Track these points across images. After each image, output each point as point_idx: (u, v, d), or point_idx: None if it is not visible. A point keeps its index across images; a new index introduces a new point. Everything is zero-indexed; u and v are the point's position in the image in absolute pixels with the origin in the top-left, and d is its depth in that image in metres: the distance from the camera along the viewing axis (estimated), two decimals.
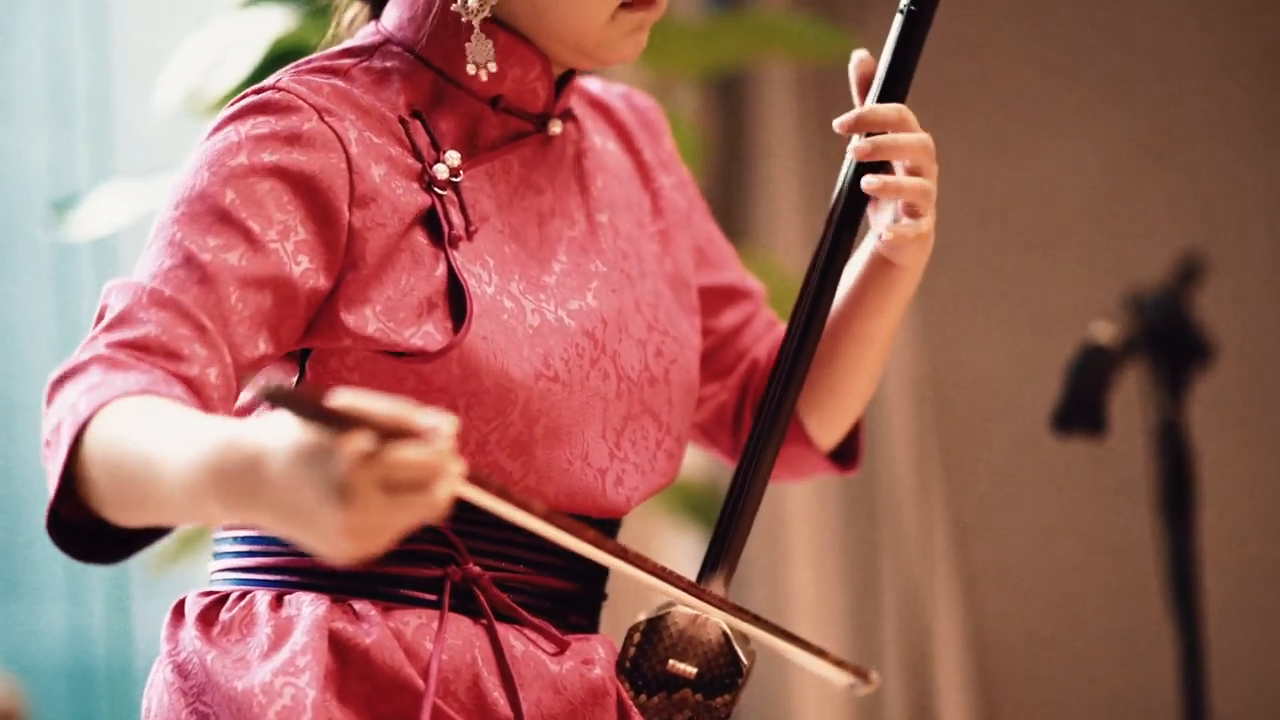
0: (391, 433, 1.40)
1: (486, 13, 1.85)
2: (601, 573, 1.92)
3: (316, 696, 1.73)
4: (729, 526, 1.92)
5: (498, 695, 1.81)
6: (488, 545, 1.84)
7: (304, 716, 1.72)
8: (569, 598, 1.90)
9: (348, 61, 1.87)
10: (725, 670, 1.86)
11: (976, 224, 4.49)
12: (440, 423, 1.41)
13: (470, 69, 1.85)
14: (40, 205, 3.90)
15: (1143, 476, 3.73)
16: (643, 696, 1.86)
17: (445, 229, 1.82)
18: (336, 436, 1.39)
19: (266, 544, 1.85)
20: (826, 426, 2.08)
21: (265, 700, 1.73)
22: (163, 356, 1.68)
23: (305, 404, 1.39)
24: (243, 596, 1.83)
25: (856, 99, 1.96)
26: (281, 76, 1.84)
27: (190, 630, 1.81)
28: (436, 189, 1.84)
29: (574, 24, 1.86)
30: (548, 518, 1.59)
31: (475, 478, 1.50)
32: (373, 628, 1.79)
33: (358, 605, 1.80)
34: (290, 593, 1.82)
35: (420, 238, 1.82)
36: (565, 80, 1.93)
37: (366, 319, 1.78)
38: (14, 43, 4.10)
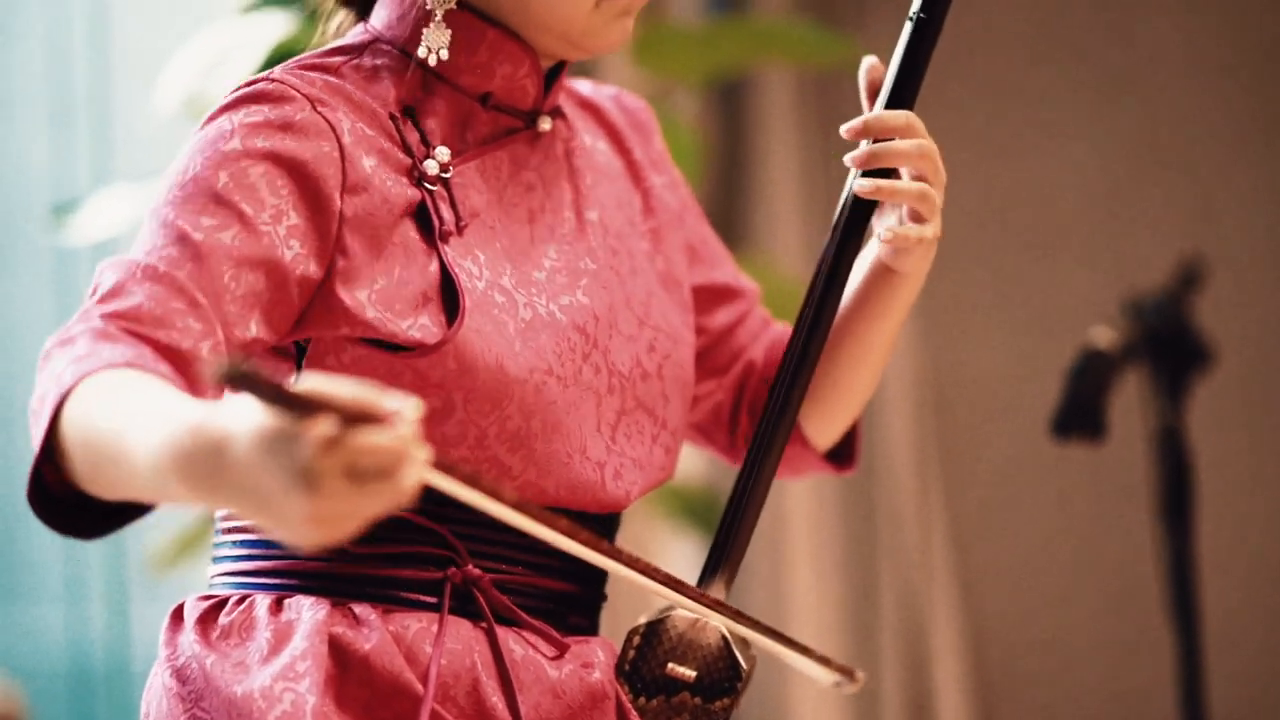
0: (355, 417, 1.36)
1: (451, 4, 1.86)
2: (600, 574, 1.92)
3: (316, 702, 1.73)
4: (730, 531, 1.92)
5: (497, 700, 1.81)
6: (487, 547, 1.85)
7: None
8: (569, 599, 1.90)
9: (337, 60, 1.88)
10: (724, 674, 1.86)
11: (976, 224, 4.49)
12: (404, 407, 1.39)
13: (422, 51, 1.86)
14: (40, 208, 3.90)
15: (1142, 481, 3.73)
16: (642, 699, 1.87)
17: (436, 224, 1.83)
18: (300, 421, 1.36)
19: (266, 547, 1.85)
20: (824, 427, 2.09)
21: (265, 705, 1.73)
22: (156, 327, 1.67)
23: (267, 387, 1.36)
24: (242, 600, 1.83)
25: (865, 105, 1.96)
26: (273, 71, 1.85)
27: (189, 635, 1.81)
28: (427, 184, 1.84)
29: (560, 12, 1.86)
30: (518, 506, 1.55)
31: (443, 464, 1.46)
32: (372, 632, 1.79)
33: (358, 608, 1.80)
34: (290, 596, 1.82)
35: (411, 232, 1.82)
36: (554, 77, 1.94)
37: (363, 304, 1.78)
38: (14, 45, 4.10)
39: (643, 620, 1.88)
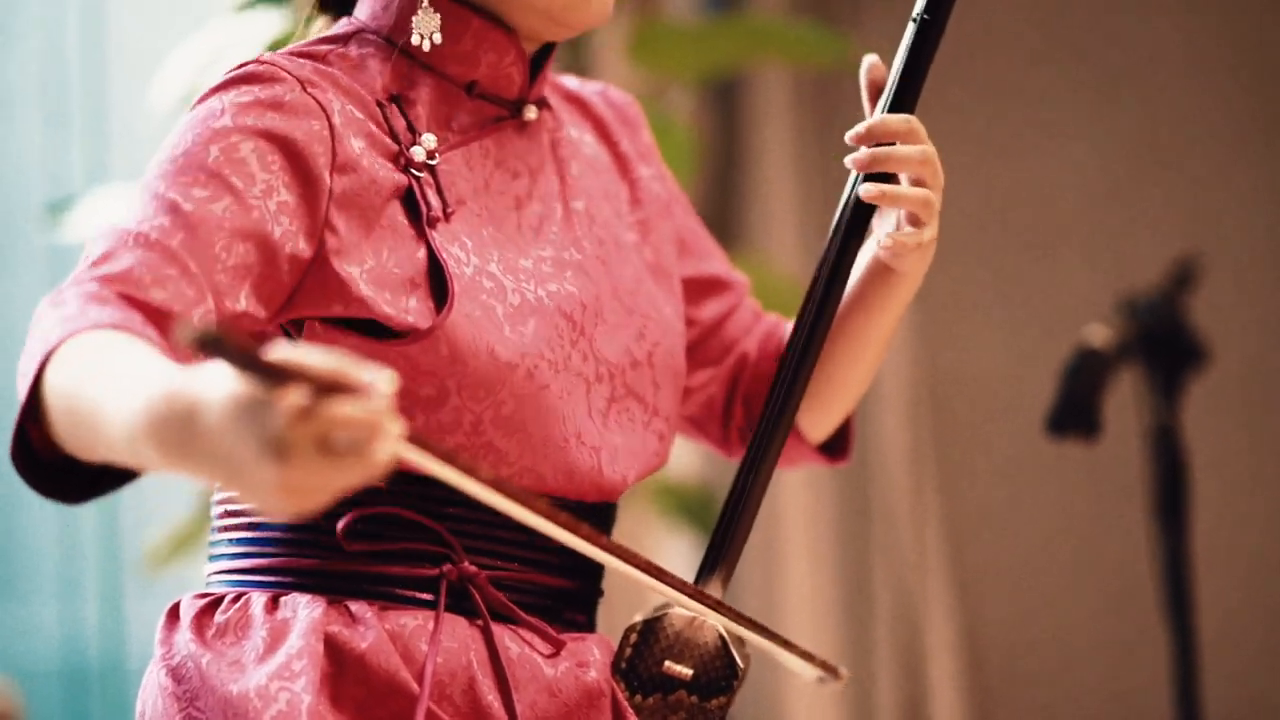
0: (328, 386, 1.34)
1: None
2: (597, 570, 1.92)
3: (312, 702, 1.73)
4: (728, 529, 1.92)
5: (493, 699, 1.81)
6: (483, 543, 1.84)
7: None
8: (565, 594, 1.90)
9: (324, 48, 1.89)
10: (721, 673, 1.86)
11: (976, 224, 4.49)
12: (379, 378, 1.37)
13: (415, 38, 1.87)
14: (36, 206, 3.90)
15: (1137, 480, 3.73)
16: (638, 697, 1.87)
17: (424, 210, 1.83)
18: (272, 390, 1.34)
19: (262, 545, 1.85)
20: (819, 420, 2.09)
21: (260, 705, 1.73)
22: (149, 289, 1.66)
23: (239, 354, 1.33)
24: (238, 598, 1.83)
25: (866, 106, 1.96)
26: (263, 55, 1.86)
27: (185, 633, 1.81)
28: (414, 171, 1.84)
29: None
30: (494, 484, 1.52)
31: (417, 439, 1.43)
32: (368, 630, 1.78)
33: (353, 606, 1.80)
34: (286, 594, 1.81)
35: (399, 217, 1.82)
36: (540, 66, 1.94)
37: (356, 279, 1.78)
38: (10, 44, 4.10)
39: (639, 618, 1.88)
